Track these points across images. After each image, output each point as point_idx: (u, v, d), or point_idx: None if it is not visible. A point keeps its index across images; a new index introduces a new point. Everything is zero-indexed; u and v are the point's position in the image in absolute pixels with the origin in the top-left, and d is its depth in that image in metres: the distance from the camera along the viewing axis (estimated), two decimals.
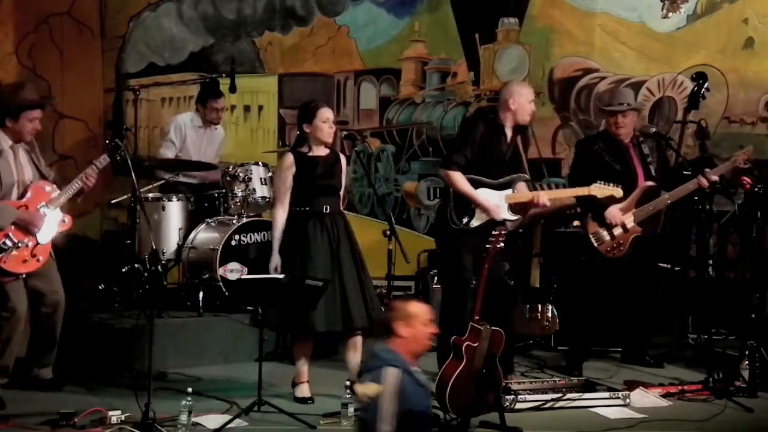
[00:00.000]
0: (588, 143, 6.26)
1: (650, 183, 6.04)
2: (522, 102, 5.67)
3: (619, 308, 6.18)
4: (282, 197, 5.31)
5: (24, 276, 5.22)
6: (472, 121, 5.90)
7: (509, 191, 5.66)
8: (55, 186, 5.36)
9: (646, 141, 6.17)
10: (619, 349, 6.44)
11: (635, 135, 6.15)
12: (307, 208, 5.28)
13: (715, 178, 5.85)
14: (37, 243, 5.23)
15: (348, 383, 5.21)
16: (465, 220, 5.59)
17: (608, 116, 6.10)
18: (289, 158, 5.30)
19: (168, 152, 7.25)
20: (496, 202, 5.59)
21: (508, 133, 5.72)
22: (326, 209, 5.28)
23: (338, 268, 5.21)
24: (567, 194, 5.95)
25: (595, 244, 5.98)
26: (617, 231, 5.98)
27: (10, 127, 5.24)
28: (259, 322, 5.17)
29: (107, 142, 5.38)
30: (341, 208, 5.43)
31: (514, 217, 5.67)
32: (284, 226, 5.25)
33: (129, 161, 5.12)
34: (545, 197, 5.63)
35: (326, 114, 5.29)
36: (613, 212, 5.94)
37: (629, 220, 5.99)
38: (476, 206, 5.57)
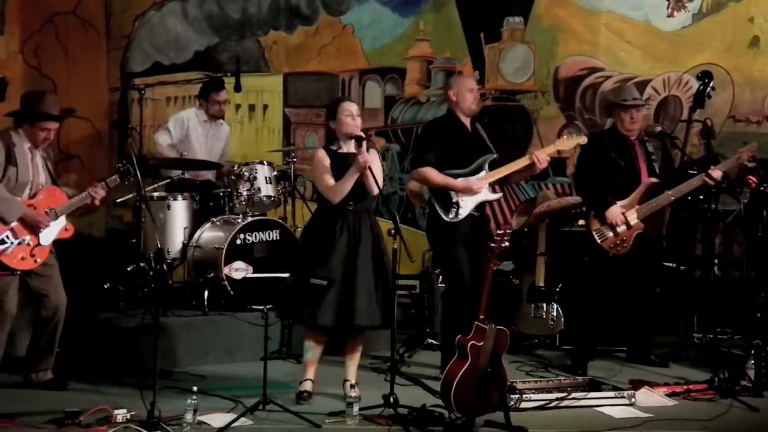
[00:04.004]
0: (596, 138, 6.25)
1: (654, 179, 6.05)
2: (461, 91, 5.78)
3: (622, 307, 6.17)
4: (330, 180, 5.21)
5: (18, 273, 5.29)
6: (430, 122, 6.04)
7: (482, 173, 5.71)
8: (63, 193, 5.48)
9: (650, 140, 6.20)
10: (624, 348, 6.43)
11: (641, 133, 6.17)
12: (335, 205, 5.27)
13: (719, 174, 5.84)
14: (38, 244, 5.31)
15: (351, 383, 5.23)
16: (453, 213, 5.64)
17: (622, 112, 6.08)
18: (322, 152, 5.28)
19: (161, 138, 7.26)
20: (478, 184, 5.68)
21: (465, 122, 5.82)
22: (350, 206, 5.26)
23: (352, 266, 5.18)
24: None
25: (599, 241, 5.97)
26: (620, 228, 5.98)
27: (26, 131, 5.39)
28: (274, 318, 5.16)
29: (119, 165, 5.50)
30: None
31: (495, 196, 5.82)
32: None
33: (134, 160, 5.17)
34: (522, 162, 5.68)
35: (348, 107, 5.27)
36: (614, 211, 5.95)
37: (632, 217, 5.98)
38: (457, 191, 5.64)
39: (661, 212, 6.18)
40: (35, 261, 5.32)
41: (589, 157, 6.07)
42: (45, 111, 5.39)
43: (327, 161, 5.24)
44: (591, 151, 6.03)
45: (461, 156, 5.73)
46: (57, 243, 5.46)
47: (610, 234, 5.98)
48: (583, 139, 5.88)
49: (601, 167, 6.01)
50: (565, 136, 5.93)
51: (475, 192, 5.64)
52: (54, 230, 5.39)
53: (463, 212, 5.65)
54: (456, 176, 5.66)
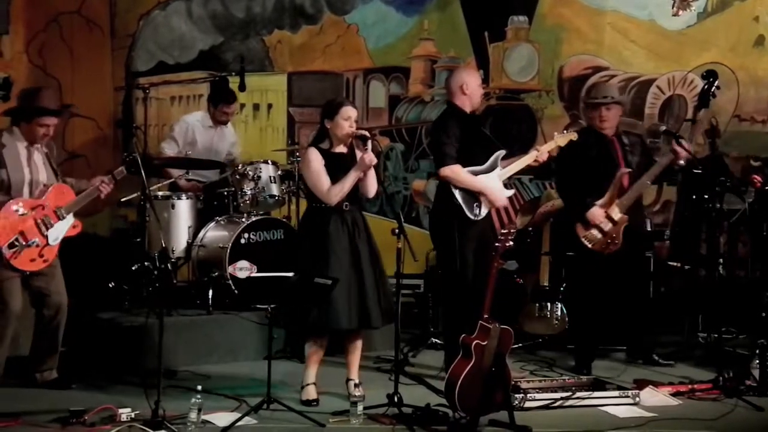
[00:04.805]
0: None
1: (625, 170, 6.01)
2: (474, 87, 5.80)
3: (621, 305, 6.13)
4: (327, 182, 5.18)
5: (27, 273, 5.29)
6: (442, 118, 5.93)
7: (498, 170, 5.72)
8: (71, 191, 5.47)
9: (629, 135, 6.21)
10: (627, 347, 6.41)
11: (618, 129, 6.16)
12: (328, 205, 5.25)
13: (686, 146, 5.82)
14: (47, 243, 5.30)
15: (355, 382, 5.22)
16: (477, 210, 5.64)
17: (592, 110, 6.11)
18: (316, 152, 5.24)
19: (168, 149, 7.28)
20: (497, 184, 5.70)
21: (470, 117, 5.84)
22: (346, 206, 5.26)
23: (358, 266, 5.19)
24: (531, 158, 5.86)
25: (590, 246, 5.95)
26: (607, 226, 5.95)
27: (23, 128, 5.37)
28: (271, 320, 5.15)
29: (125, 155, 5.48)
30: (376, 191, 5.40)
31: (509, 192, 5.83)
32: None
33: (139, 160, 5.16)
34: (524, 161, 5.76)
35: (349, 112, 5.24)
36: (594, 212, 5.93)
37: (615, 212, 5.95)
38: (482, 193, 5.63)
39: (640, 203, 6.15)
40: (44, 261, 5.32)
41: (568, 158, 6.00)
42: (42, 106, 5.35)
43: (321, 161, 5.21)
44: (570, 151, 5.97)
45: (476, 152, 5.73)
46: (63, 241, 5.45)
47: (599, 236, 5.95)
48: (574, 135, 5.92)
49: (581, 167, 5.98)
50: (558, 133, 5.94)
51: (497, 202, 5.67)
52: (62, 228, 5.38)
53: (484, 210, 5.68)
54: (474, 173, 5.66)
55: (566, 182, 6.16)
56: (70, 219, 5.42)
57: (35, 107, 5.35)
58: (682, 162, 5.94)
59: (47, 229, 5.30)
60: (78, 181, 5.63)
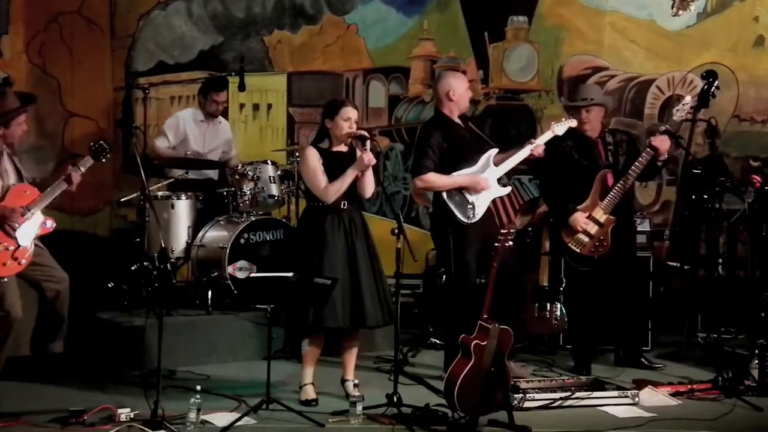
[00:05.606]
0: (559, 140, 6.17)
1: (606, 170, 5.99)
2: (461, 92, 5.78)
3: (615, 307, 6.11)
4: (323, 180, 5.19)
5: (6, 280, 5.20)
6: (426, 128, 5.90)
7: (490, 169, 5.69)
8: (35, 189, 5.35)
9: (614, 134, 6.18)
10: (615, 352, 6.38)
11: (603, 130, 6.13)
12: (327, 205, 5.26)
13: (664, 141, 5.81)
14: (18, 246, 5.21)
15: (355, 382, 5.22)
16: (471, 213, 5.61)
17: (573, 112, 6.08)
18: (314, 151, 5.26)
19: (160, 143, 7.27)
20: (484, 178, 5.66)
21: (458, 121, 5.81)
22: (344, 205, 5.27)
23: (354, 265, 5.19)
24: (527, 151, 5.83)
25: (578, 251, 5.93)
26: (593, 229, 5.92)
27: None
28: (269, 320, 5.16)
29: (91, 144, 5.37)
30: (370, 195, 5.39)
31: (506, 190, 5.80)
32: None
33: (138, 159, 5.15)
34: (524, 153, 5.72)
35: (349, 113, 5.24)
36: (576, 217, 5.90)
37: (600, 214, 5.93)
38: (465, 188, 5.59)
39: (630, 202, 6.12)
40: (19, 264, 5.22)
41: (552, 162, 5.93)
42: (13, 108, 5.31)
43: (319, 159, 5.22)
44: (555, 155, 5.90)
45: (466, 155, 5.71)
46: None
47: (587, 239, 5.92)
48: (573, 122, 5.88)
49: (564, 171, 5.95)
50: (556, 122, 5.91)
51: (482, 188, 5.61)
52: (32, 228, 5.27)
53: (480, 211, 5.64)
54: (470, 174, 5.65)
55: (549, 187, 6.15)
56: (39, 218, 5.30)
57: (10, 109, 5.30)
58: (663, 157, 5.92)
59: (14, 231, 5.18)
60: (46, 179, 5.57)
